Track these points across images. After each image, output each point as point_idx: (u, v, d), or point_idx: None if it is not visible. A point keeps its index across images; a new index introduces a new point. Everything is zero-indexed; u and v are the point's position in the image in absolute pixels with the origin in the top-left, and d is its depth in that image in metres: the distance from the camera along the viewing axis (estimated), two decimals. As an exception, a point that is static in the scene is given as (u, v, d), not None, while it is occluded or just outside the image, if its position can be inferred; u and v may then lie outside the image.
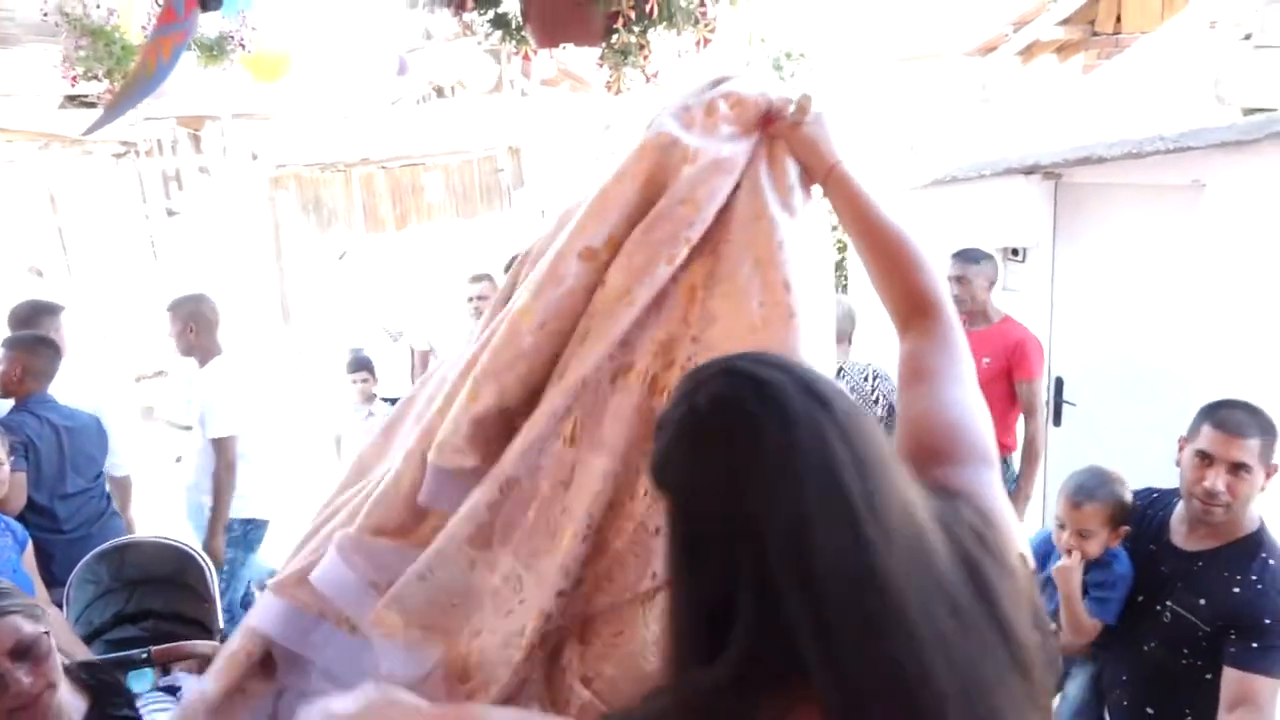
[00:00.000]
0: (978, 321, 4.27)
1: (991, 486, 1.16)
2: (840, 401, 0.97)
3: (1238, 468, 2.29)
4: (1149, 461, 4.42)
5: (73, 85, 3.55)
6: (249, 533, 4.27)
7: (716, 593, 0.94)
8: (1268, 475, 2.33)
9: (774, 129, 1.44)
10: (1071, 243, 4.85)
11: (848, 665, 0.89)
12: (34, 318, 4.06)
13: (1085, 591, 2.58)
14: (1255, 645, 2.21)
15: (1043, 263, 4.90)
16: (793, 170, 1.43)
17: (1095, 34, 6.85)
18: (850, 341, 4.06)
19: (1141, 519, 2.58)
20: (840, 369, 3.84)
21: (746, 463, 0.93)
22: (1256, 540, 2.32)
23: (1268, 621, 2.21)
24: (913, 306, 1.36)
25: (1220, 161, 4.02)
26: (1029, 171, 4.69)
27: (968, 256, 4.24)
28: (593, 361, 1.36)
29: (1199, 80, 4.45)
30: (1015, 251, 4.90)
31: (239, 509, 4.25)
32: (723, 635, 0.92)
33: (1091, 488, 2.61)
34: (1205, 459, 2.34)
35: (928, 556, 0.94)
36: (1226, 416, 2.34)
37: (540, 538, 1.36)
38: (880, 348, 4.93)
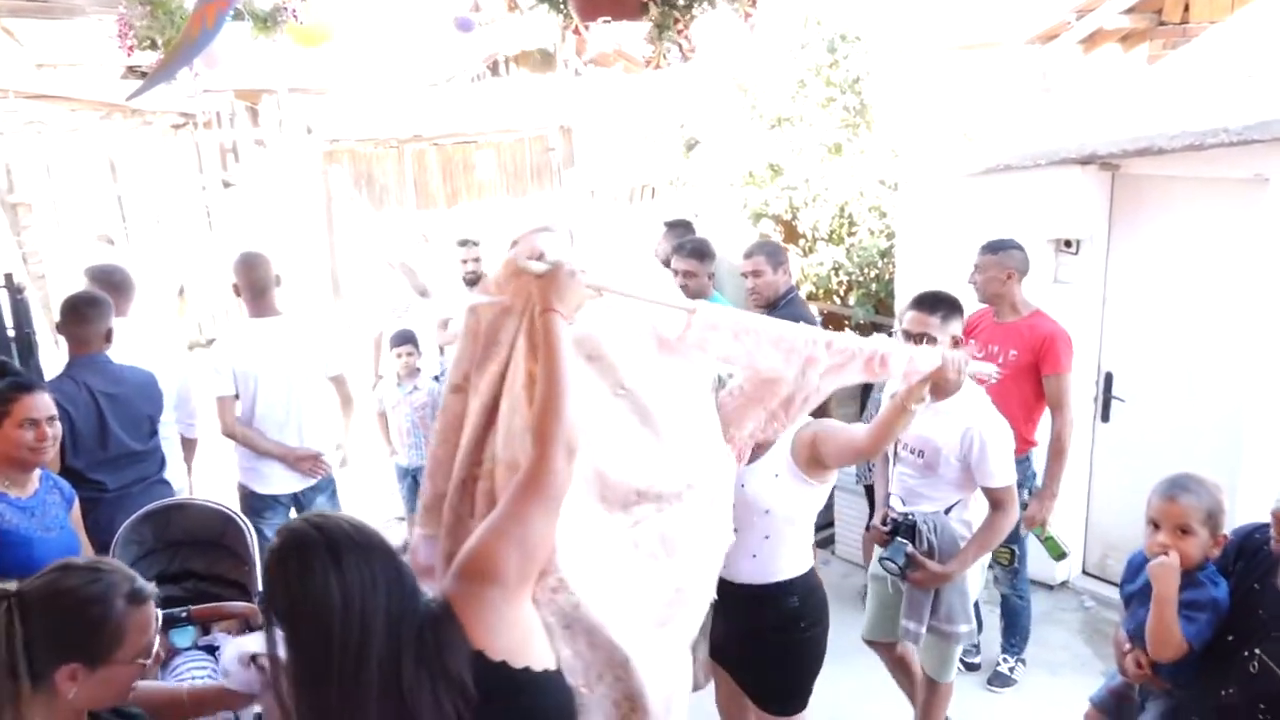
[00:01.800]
0: (1004, 314, 4.18)
1: (477, 599, 1.69)
2: (351, 544, 1.64)
3: None
4: (1199, 462, 4.33)
5: (129, 55, 3.60)
6: (253, 505, 4.27)
7: None
8: None
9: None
10: (1127, 236, 4.74)
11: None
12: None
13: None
14: None
15: (1096, 255, 4.79)
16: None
17: (1162, 23, 6.65)
18: None
19: (1257, 553, 2.37)
20: None
21: (277, 578, 1.65)
22: None
23: None
24: (533, 435, 1.85)
25: (1285, 156, 3.90)
26: (1085, 162, 4.58)
27: (985, 246, 4.17)
28: (459, 471, 2.19)
29: (1268, 72, 4.31)
30: (1068, 243, 4.79)
31: (250, 481, 4.32)
32: None
33: (1187, 483, 2.46)
34: None
35: (364, 647, 1.59)
36: None
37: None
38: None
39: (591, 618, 1.98)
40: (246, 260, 4.30)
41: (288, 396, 4.24)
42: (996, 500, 3.33)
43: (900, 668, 3.75)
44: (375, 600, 1.61)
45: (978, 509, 3.43)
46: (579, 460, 1.87)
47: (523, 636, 1.72)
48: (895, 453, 3.53)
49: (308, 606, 1.61)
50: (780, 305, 4.48)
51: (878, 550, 3.47)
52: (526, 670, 1.70)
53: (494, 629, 1.67)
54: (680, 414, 2.28)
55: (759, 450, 2.82)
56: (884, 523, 3.36)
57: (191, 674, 2.97)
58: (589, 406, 2.01)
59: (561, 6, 1.86)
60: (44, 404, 3.02)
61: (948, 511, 3.39)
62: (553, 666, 1.80)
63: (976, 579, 3.54)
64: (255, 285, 4.24)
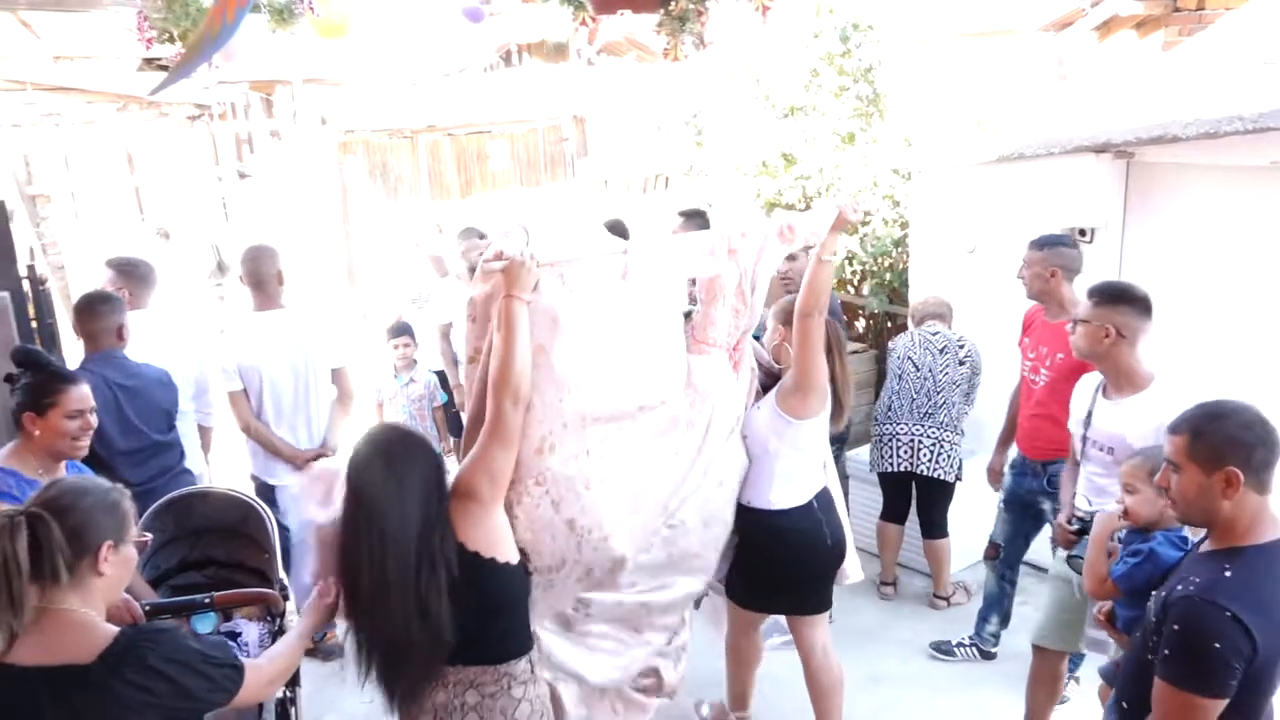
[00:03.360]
0: (1053, 313, 3.95)
1: (462, 509, 2.41)
2: (400, 456, 2.37)
3: (1166, 461, 2.21)
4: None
5: (148, 48, 3.64)
6: (266, 497, 4.23)
7: None
8: (1228, 483, 2.09)
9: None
10: (1142, 225, 4.73)
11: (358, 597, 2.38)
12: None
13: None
14: (1167, 652, 2.07)
15: (1111, 245, 4.78)
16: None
17: (1177, 9, 6.61)
18: (949, 320, 4.93)
19: None
20: (937, 333, 4.79)
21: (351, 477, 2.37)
22: (1236, 552, 2.12)
23: (1176, 628, 2.05)
24: (490, 388, 2.58)
25: (1301, 143, 3.88)
26: (1100, 150, 4.57)
27: (1033, 241, 3.99)
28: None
29: (1285, 59, 4.29)
30: (1083, 232, 4.78)
31: (263, 473, 4.35)
32: None
33: (1149, 449, 2.72)
34: None
35: (401, 545, 2.31)
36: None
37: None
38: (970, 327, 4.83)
39: (562, 513, 2.83)
40: (249, 252, 4.33)
41: (293, 389, 4.26)
42: None
43: (1047, 683, 3.59)
44: (414, 495, 2.33)
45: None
46: (557, 398, 2.74)
47: (491, 538, 2.44)
48: (1084, 451, 3.39)
49: (366, 493, 2.33)
50: None
51: (1060, 552, 3.37)
52: (492, 560, 2.43)
53: (471, 530, 2.41)
54: (639, 347, 2.95)
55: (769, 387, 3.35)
56: (1070, 521, 3.26)
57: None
58: (565, 353, 2.77)
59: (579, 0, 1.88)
60: (87, 396, 3.08)
61: None
62: (514, 561, 2.50)
63: None
64: (254, 277, 4.26)
